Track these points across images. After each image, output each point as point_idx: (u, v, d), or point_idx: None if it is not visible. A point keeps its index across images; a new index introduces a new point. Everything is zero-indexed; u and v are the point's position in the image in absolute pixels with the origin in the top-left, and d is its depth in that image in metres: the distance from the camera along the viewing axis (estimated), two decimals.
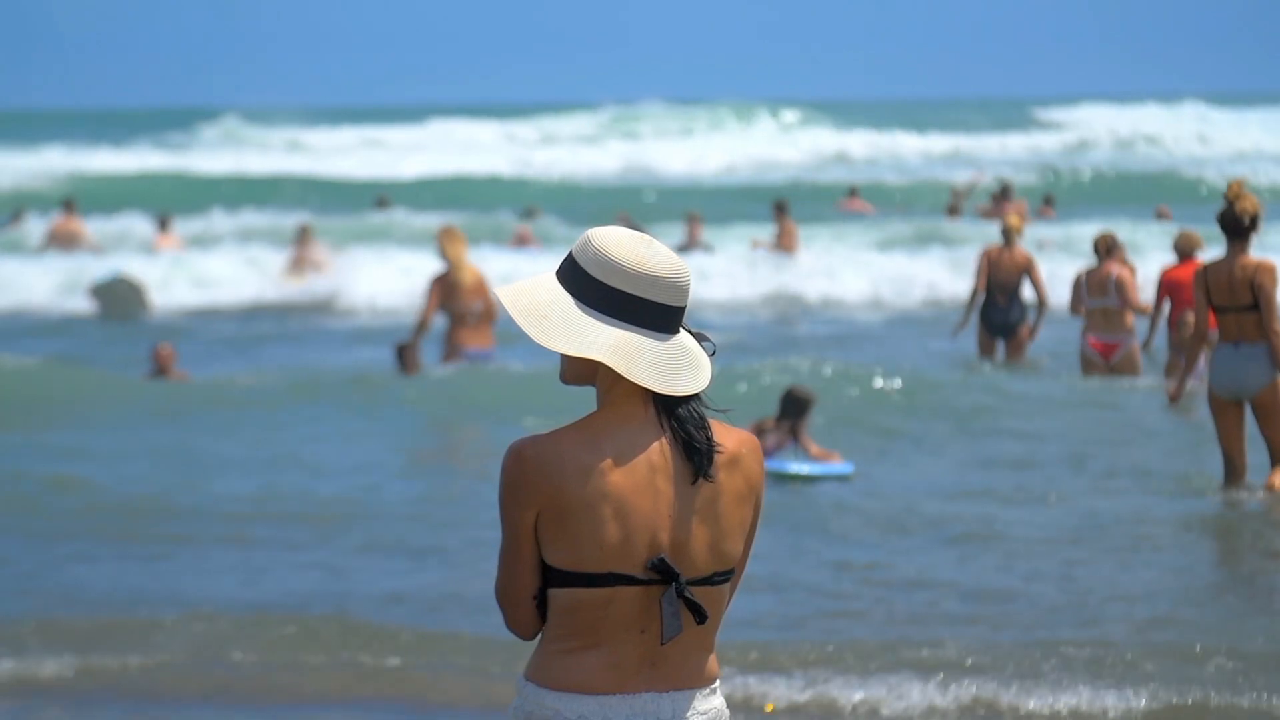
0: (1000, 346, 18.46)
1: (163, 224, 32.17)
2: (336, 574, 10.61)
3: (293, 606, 9.82)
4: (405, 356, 17.13)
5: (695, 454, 3.94)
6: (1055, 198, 36.37)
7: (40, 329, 24.74)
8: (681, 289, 3.98)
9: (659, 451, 3.96)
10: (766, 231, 30.74)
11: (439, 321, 16.92)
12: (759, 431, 13.57)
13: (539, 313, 3.96)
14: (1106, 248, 16.45)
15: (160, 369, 18.12)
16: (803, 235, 30.17)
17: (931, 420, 15.44)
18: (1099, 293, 16.48)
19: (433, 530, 11.64)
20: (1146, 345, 16.53)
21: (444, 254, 16.38)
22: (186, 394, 17.24)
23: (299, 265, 28.52)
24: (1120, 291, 16.36)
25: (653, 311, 3.95)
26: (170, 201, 39.04)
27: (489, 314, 16.53)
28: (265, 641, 9.26)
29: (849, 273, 28.13)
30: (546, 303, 3.97)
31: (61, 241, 31.68)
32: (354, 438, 15.14)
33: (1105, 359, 16.63)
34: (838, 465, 13.27)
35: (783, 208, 29.71)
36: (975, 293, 18.20)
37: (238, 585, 10.37)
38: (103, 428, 15.38)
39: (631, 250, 3.96)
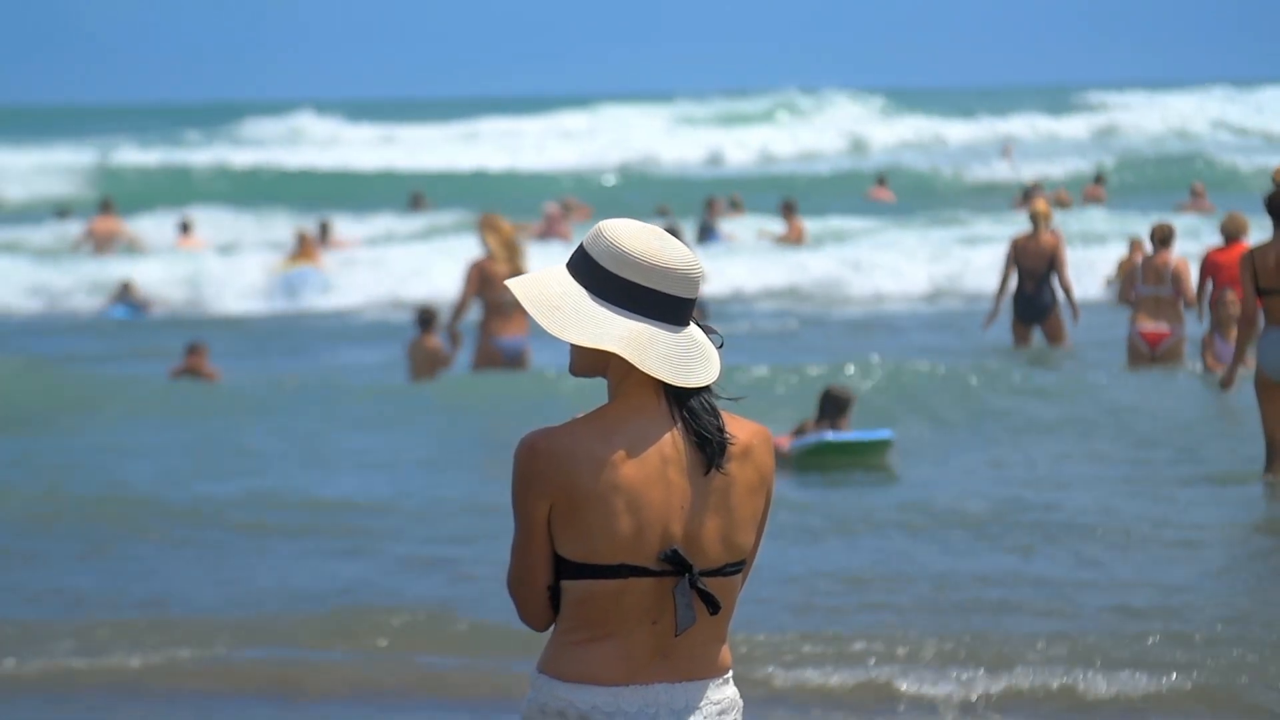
0: (1036, 334, 18.54)
1: (184, 227, 31.99)
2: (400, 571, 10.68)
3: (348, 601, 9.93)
4: (422, 345, 17.32)
5: (707, 445, 3.98)
6: (1106, 178, 35.43)
7: (73, 328, 24.89)
8: (693, 281, 4.01)
9: (671, 443, 3.99)
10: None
11: (475, 310, 16.96)
12: (800, 432, 13.60)
13: (551, 304, 4.00)
14: (1163, 237, 16.63)
15: (190, 367, 18.10)
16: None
17: (988, 415, 15.35)
18: (1154, 280, 16.59)
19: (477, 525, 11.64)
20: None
21: (484, 241, 16.39)
22: (214, 394, 17.28)
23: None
24: (1176, 281, 16.51)
25: (664, 303, 3.99)
26: (317, 199, 38.78)
27: None
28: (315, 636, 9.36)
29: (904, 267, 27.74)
30: (558, 294, 4.01)
31: (99, 241, 31.90)
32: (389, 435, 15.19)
33: (1153, 348, 16.68)
34: (876, 432, 13.39)
35: (791, 207, 30.50)
36: (1004, 282, 18.29)
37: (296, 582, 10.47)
38: (130, 428, 15.43)
39: (644, 242, 4.00)
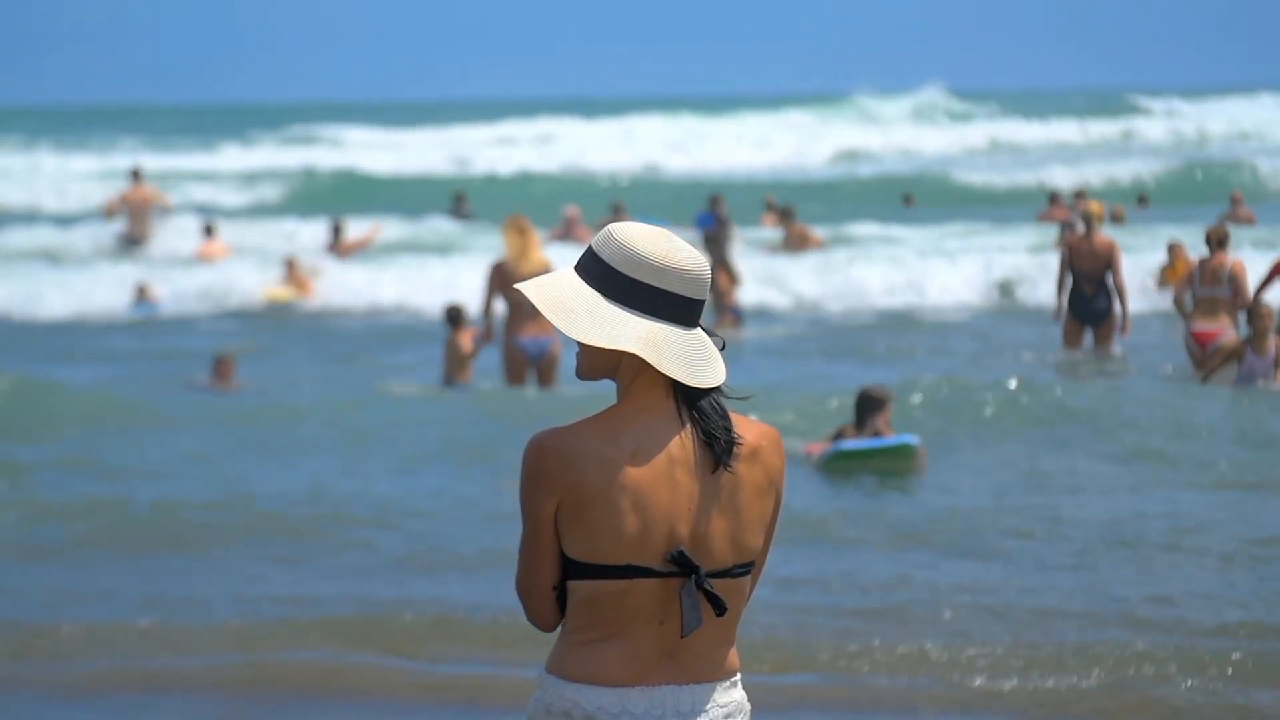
0: (1088, 336, 18.70)
1: (208, 231, 31.95)
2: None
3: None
4: (453, 343, 17.57)
5: (716, 444, 4.03)
6: (1124, 211, 34.36)
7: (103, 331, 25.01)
8: (702, 282, 4.08)
9: (679, 444, 4.05)
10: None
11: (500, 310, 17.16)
12: (839, 436, 13.58)
13: (564, 306, 4.06)
14: (1219, 239, 16.83)
15: (219, 377, 18.33)
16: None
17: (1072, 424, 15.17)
18: (1211, 282, 16.76)
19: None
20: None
21: (505, 242, 16.71)
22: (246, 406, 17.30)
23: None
24: (1233, 282, 16.69)
25: (676, 304, 4.05)
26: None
27: None
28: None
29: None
30: (570, 296, 4.07)
31: (134, 208, 32.96)
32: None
33: (1203, 348, 16.80)
34: (895, 438, 13.34)
35: (789, 213, 31.05)
36: (1060, 281, 18.48)
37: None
38: (158, 442, 15.40)
39: (655, 244, 4.06)
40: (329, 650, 9.35)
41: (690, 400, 4.03)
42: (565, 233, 30.63)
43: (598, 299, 4.04)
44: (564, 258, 22.47)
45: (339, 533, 11.84)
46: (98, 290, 27.87)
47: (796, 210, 31.67)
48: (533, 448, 4.01)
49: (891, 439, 13.36)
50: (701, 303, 4.08)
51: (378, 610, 9.96)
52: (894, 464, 13.32)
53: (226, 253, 31.31)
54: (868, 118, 69.33)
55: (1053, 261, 25.42)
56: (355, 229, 32.41)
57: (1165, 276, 23.06)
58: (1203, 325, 16.79)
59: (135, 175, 34.27)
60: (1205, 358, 16.60)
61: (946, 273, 27.45)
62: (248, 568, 11.07)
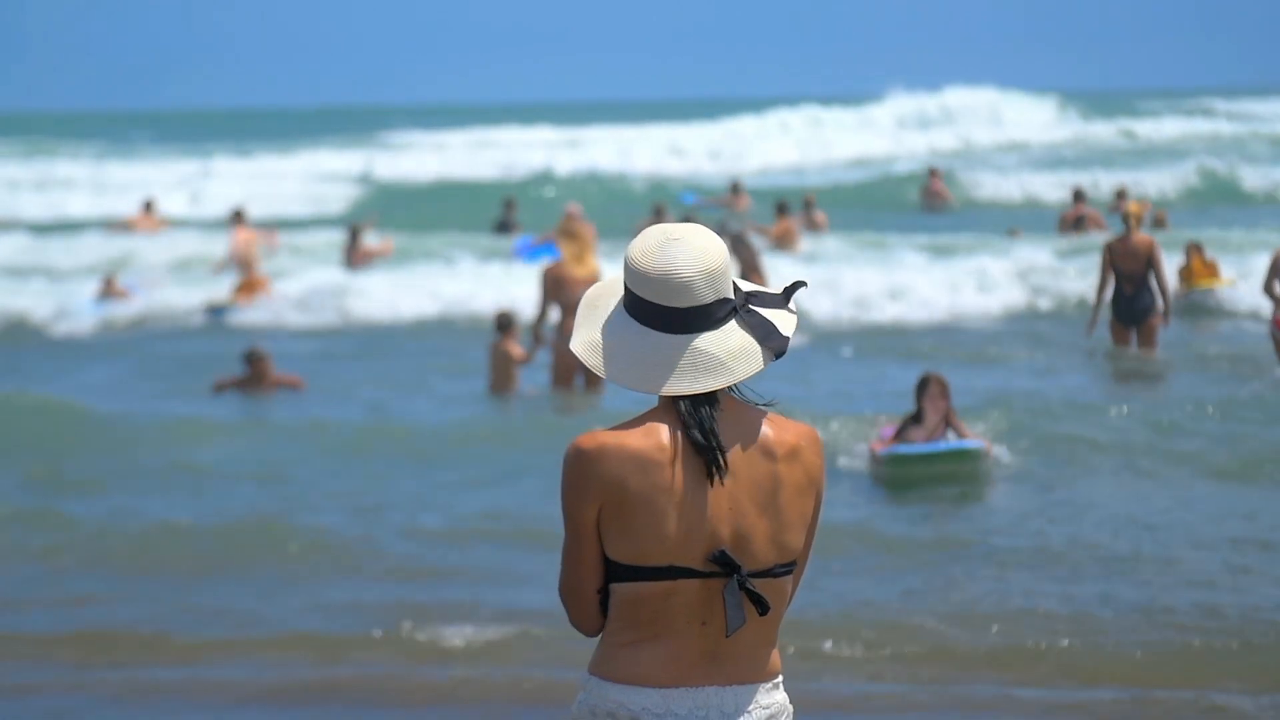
0: (1134, 336, 18.73)
1: (237, 216, 31.35)
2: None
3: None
4: (500, 349, 17.51)
5: (703, 451, 4.03)
6: (1166, 215, 33.98)
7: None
8: (676, 288, 4.04)
9: None
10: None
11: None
12: (903, 429, 13.60)
13: (589, 303, 4.19)
14: None
15: (256, 375, 18.18)
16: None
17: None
18: None
19: None
20: None
21: (558, 244, 16.72)
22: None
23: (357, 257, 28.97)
24: None
25: (650, 311, 4.07)
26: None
27: None
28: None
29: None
30: (602, 296, 4.19)
31: (240, 255, 30.26)
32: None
33: None
34: (959, 442, 13.31)
35: (783, 208, 31.67)
36: (1101, 286, 18.50)
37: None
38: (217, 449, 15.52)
39: (637, 247, 4.11)
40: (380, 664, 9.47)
41: (685, 408, 4.03)
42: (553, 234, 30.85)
43: (610, 303, 4.15)
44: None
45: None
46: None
47: (789, 205, 32.24)
48: (572, 452, 4.05)
49: (954, 444, 13.34)
50: (683, 310, 4.04)
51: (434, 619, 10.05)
52: (958, 467, 13.29)
53: (257, 242, 29.88)
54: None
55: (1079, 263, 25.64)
56: (371, 240, 31.83)
57: (1182, 277, 23.20)
58: None
59: (238, 217, 31.43)
60: None
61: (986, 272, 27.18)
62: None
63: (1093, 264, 23.55)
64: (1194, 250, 23.08)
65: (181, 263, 31.33)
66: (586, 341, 4.11)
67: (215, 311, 25.44)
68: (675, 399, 4.05)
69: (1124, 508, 12.48)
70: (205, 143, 67.84)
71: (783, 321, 4.12)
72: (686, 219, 30.44)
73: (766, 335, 4.08)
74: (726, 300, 4.08)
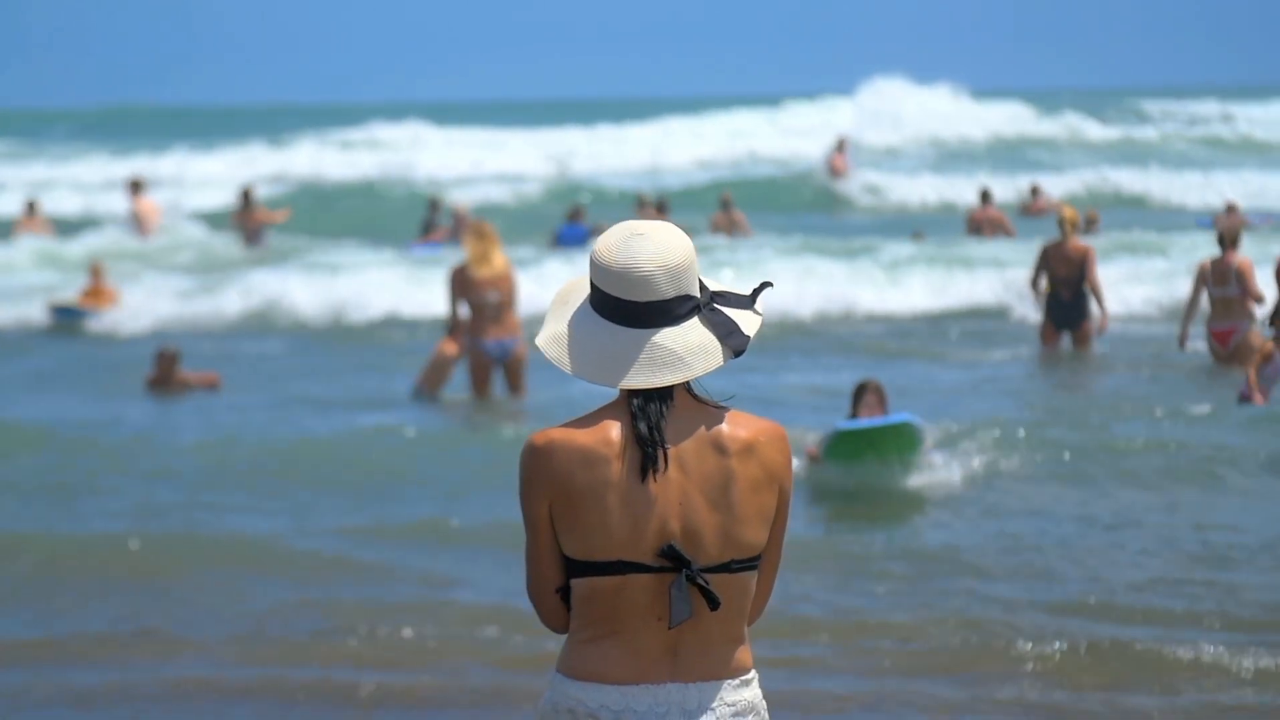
0: (1065, 339, 19.19)
1: (136, 186, 31.24)
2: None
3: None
4: (439, 350, 17.51)
5: (643, 445, 4.04)
6: (1097, 217, 34.05)
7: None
8: (636, 282, 4.06)
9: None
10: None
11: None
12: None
13: (560, 299, 4.21)
14: (1231, 239, 17.33)
15: (163, 375, 18.20)
16: None
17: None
18: (1221, 282, 17.22)
19: None
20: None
21: (464, 244, 17.18)
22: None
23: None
24: (1241, 280, 17.15)
25: (609, 304, 4.10)
26: None
27: (506, 304, 16.94)
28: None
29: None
30: (573, 292, 4.20)
31: (246, 230, 31.88)
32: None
33: (1224, 346, 17.36)
34: (894, 416, 13.29)
35: (726, 203, 33.73)
36: (1033, 284, 19.01)
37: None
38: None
39: (602, 242, 4.15)
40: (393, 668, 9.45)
41: (636, 403, 4.05)
42: (449, 235, 31.09)
43: (580, 299, 4.17)
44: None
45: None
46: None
47: (732, 199, 34.25)
48: (525, 450, 4.11)
49: (890, 417, 13.25)
50: (642, 304, 4.06)
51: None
52: (898, 447, 13.16)
53: (155, 213, 29.71)
54: None
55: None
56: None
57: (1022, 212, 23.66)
58: (1220, 324, 17.33)
59: (245, 196, 32.34)
60: (1229, 355, 17.19)
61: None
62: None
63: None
64: (1038, 190, 23.06)
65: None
66: (550, 335, 4.15)
67: (61, 312, 25.15)
68: (629, 394, 4.07)
69: (1080, 510, 12.48)
70: (127, 139, 67.22)
71: (746, 321, 4.14)
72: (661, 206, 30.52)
73: (728, 334, 4.10)
74: (689, 297, 4.11)
